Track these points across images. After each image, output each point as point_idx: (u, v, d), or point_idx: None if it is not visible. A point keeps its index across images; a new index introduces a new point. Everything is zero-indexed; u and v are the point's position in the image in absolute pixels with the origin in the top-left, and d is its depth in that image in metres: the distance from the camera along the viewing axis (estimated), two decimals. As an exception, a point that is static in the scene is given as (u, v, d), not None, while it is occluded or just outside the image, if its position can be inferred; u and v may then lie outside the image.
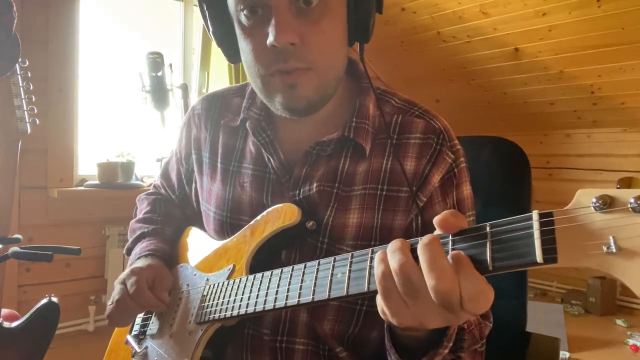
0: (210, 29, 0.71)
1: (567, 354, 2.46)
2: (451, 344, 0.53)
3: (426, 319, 0.45)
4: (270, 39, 0.61)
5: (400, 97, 0.77)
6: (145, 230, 0.90)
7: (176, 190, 0.95)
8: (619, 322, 2.97)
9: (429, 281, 0.42)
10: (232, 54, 0.72)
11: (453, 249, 0.44)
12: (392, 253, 0.45)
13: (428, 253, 0.43)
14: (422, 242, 0.44)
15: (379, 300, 0.47)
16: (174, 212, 0.96)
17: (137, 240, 0.89)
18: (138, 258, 0.83)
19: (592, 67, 2.84)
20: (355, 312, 0.71)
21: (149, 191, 1.01)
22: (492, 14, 2.74)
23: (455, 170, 0.71)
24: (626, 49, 2.60)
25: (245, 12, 0.64)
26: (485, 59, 3.12)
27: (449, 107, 3.56)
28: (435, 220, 0.45)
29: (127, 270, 0.78)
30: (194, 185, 0.89)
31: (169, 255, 0.86)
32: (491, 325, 0.70)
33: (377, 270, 0.46)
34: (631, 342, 2.62)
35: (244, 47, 0.67)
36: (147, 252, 0.83)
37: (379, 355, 0.74)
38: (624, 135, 3.32)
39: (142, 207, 0.97)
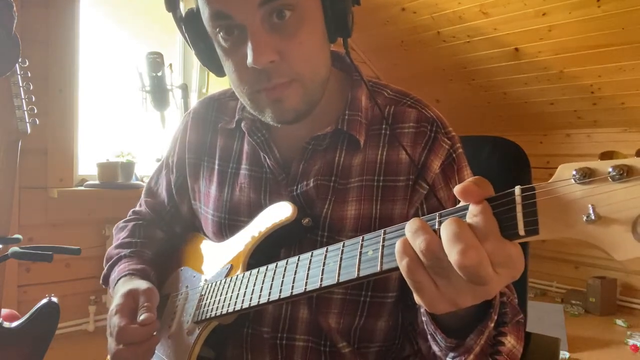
0: (193, 50, 0.72)
1: (567, 354, 2.47)
2: (496, 317, 0.51)
3: (460, 298, 0.42)
4: (249, 61, 0.61)
5: (392, 89, 0.77)
6: (122, 253, 0.86)
7: (167, 204, 0.92)
8: (619, 322, 2.98)
9: (452, 257, 0.39)
10: (218, 70, 0.72)
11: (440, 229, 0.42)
12: (413, 234, 0.42)
13: (448, 228, 0.40)
14: (444, 222, 0.42)
15: (414, 294, 0.44)
16: (154, 234, 0.93)
17: (113, 265, 0.85)
18: (117, 281, 0.79)
19: (592, 67, 2.84)
20: (359, 303, 0.71)
21: (127, 218, 0.97)
22: (492, 14, 2.74)
23: (454, 155, 0.71)
24: (626, 49, 2.61)
25: (221, 34, 0.64)
26: (485, 59, 3.12)
27: (449, 107, 3.56)
28: (456, 189, 0.42)
29: (110, 311, 0.73)
30: (185, 191, 0.87)
31: (149, 275, 0.82)
32: (516, 298, 0.69)
33: (402, 263, 0.43)
34: (631, 342, 2.62)
35: (227, 67, 0.68)
36: (126, 272, 0.80)
37: (384, 350, 0.75)
38: (624, 135, 3.32)
39: (119, 235, 0.92)
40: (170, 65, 2.26)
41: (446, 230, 0.40)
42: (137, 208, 0.99)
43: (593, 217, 0.36)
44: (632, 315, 3.15)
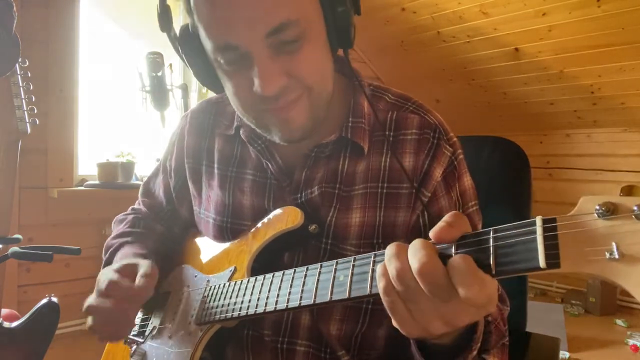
0: (191, 70, 0.69)
1: (567, 354, 2.46)
2: (479, 345, 0.53)
3: (430, 324, 0.45)
4: (257, 89, 0.60)
5: (394, 93, 0.77)
6: (124, 240, 0.84)
7: (165, 206, 0.91)
8: (619, 322, 2.98)
9: (413, 265, 0.43)
10: (218, 89, 0.70)
11: (456, 254, 0.44)
12: (388, 260, 0.46)
13: (413, 246, 0.45)
14: (411, 246, 0.45)
15: (390, 315, 0.47)
16: (155, 227, 0.92)
17: (114, 252, 0.83)
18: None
19: (592, 67, 2.84)
20: (361, 310, 0.71)
21: (126, 212, 0.96)
22: (492, 14, 2.74)
23: (455, 162, 0.71)
24: (626, 49, 2.61)
25: (224, 63, 0.62)
26: (485, 59, 3.12)
27: (449, 107, 3.56)
28: (431, 233, 0.45)
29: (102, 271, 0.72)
30: (185, 195, 0.87)
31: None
32: (509, 308, 0.70)
33: (379, 284, 0.46)
34: (631, 342, 2.62)
35: (228, 87, 0.66)
36: (130, 257, 0.78)
37: (384, 357, 0.74)
38: (624, 135, 3.32)
39: (119, 227, 0.91)
40: (170, 65, 2.26)
41: (411, 249, 0.45)
42: (136, 206, 0.98)
43: (617, 256, 0.36)
44: (632, 315, 3.15)
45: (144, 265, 0.71)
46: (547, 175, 3.66)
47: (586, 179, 3.47)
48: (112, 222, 0.96)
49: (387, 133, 0.72)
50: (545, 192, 3.59)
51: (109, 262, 0.83)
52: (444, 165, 0.70)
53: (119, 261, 0.76)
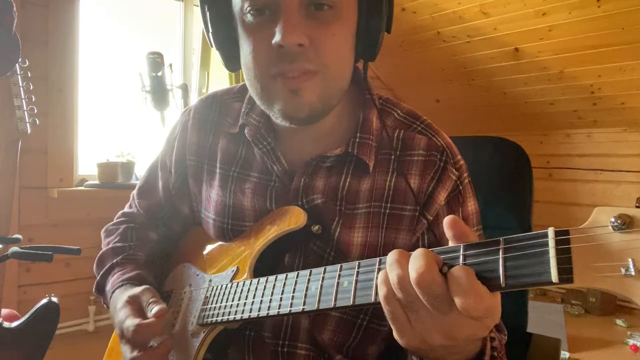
0: (210, 31, 0.69)
1: (567, 354, 2.46)
2: None
3: (429, 335, 0.45)
4: (277, 38, 0.58)
5: (403, 109, 0.75)
6: (115, 261, 0.82)
7: (164, 205, 0.89)
8: (619, 322, 2.98)
9: (411, 275, 0.43)
10: (231, 60, 0.70)
11: (465, 264, 0.43)
12: (389, 266, 0.45)
13: (414, 257, 0.44)
14: (413, 254, 0.45)
15: (389, 322, 0.47)
16: (148, 236, 0.90)
17: (106, 275, 0.82)
18: (112, 293, 0.77)
19: (592, 67, 2.84)
20: (355, 325, 0.71)
21: (116, 221, 0.94)
22: (492, 14, 2.74)
23: (461, 187, 0.70)
24: (626, 49, 2.61)
25: (251, 11, 0.62)
26: (485, 59, 3.12)
27: (449, 107, 3.56)
28: (446, 219, 0.45)
29: (118, 322, 0.70)
30: (185, 193, 0.85)
31: (146, 279, 0.80)
32: (506, 337, 0.70)
33: (381, 291, 0.46)
34: (631, 342, 2.62)
35: (245, 46, 0.64)
36: (120, 283, 0.77)
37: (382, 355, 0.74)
38: (624, 135, 3.32)
39: (109, 239, 0.89)
40: (170, 65, 2.26)
41: (411, 257, 0.44)
42: (127, 210, 0.95)
43: (633, 272, 0.34)
44: (632, 315, 3.15)
45: (143, 296, 0.70)
46: (547, 175, 3.66)
47: (586, 179, 3.47)
48: (102, 232, 0.92)
49: (394, 152, 0.70)
50: (545, 192, 3.59)
51: (100, 285, 0.82)
52: (448, 189, 0.69)
53: (114, 296, 0.76)
